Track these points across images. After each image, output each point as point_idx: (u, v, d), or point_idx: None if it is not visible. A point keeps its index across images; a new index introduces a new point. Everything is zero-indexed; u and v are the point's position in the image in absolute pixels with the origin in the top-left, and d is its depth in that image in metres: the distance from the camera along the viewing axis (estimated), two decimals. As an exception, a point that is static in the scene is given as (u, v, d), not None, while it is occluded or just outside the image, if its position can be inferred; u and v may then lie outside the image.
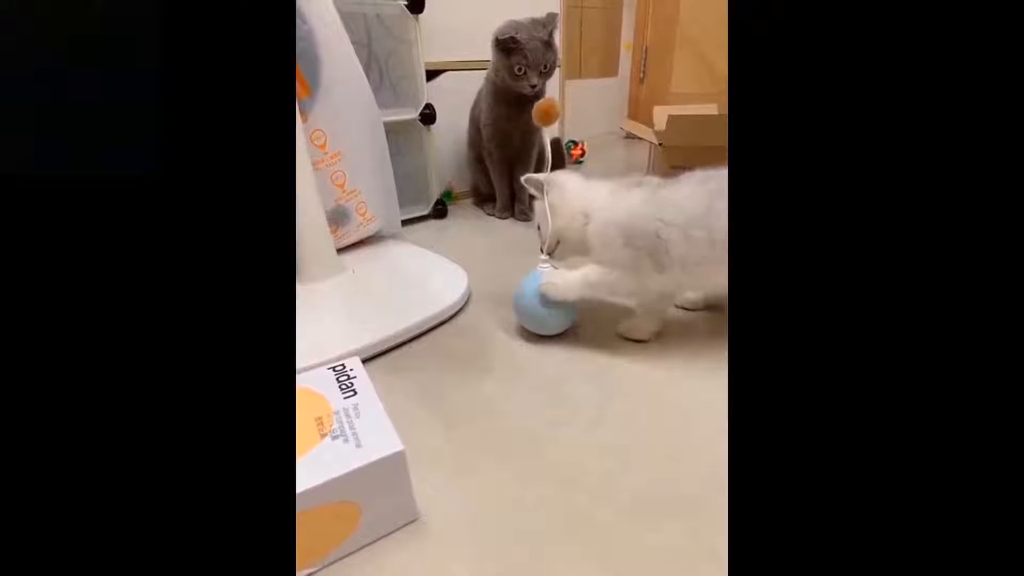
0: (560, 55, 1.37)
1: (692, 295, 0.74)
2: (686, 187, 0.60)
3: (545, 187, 0.66)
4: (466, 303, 0.79)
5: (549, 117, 0.65)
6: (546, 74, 1.05)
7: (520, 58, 1.01)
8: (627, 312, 0.70)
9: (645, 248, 0.59)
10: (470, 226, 1.19)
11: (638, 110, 2.26)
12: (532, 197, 0.69)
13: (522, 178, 0.69)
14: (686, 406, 0.55)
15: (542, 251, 0.69)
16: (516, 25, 1.01)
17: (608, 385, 0.59)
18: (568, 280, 0.64)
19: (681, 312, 0.74)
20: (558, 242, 0.68)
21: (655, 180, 0.63)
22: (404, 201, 1.06)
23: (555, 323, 0.67)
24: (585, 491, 0.44)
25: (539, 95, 1.07)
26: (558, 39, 1.06)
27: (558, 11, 1.37)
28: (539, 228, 0.70)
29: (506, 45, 1.01)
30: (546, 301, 0.65)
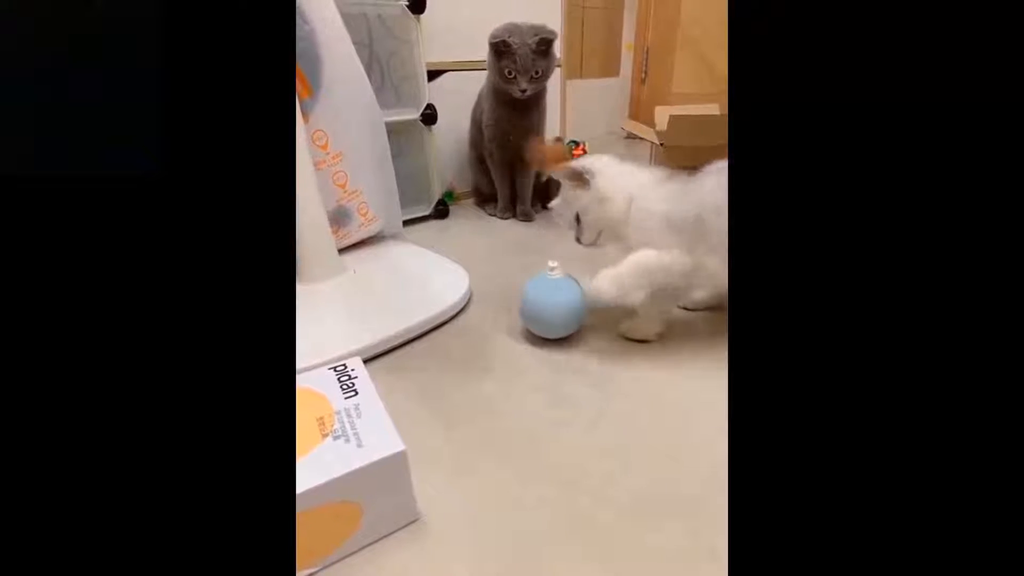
0: (561, 57, 1.37)
1: (698, 294, 0.73)
2: (710, 179, 0.60)
3: (588, 174, 0.62)
4: (467, 303, 0.79)
5: (547, 165, 0.66)
6: (537, 80, 1.04)
7: (509, 62, 1.01)
8: (629, 312, 0.70)
9: (687, 232, 0.58)
10: (471, 226, 1.19)
11: (639, 110, 2.26)
12: (539, 196, 0.68)
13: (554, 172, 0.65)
14: (686, 406, 0.54)
15: (579, 240, 0.67)
16: (511, 28, 1.01)
17: (608, 385, 0.59)
18: (618, 273, 0.59)
19: (682, 312, 0.74)
20: (600, 233, 0.65)
21: (682, 175, 0.62)
22: (405, 201, 1.06)
23: (561, 327, 0.67)
24: (585, 491, 0.44)
25: (531, 99, 1.06)
26: (559, 45, 1.06)
27: (560, 10, 1.37)
28: (577, 219, 0.66)
29: (498, 48, 1.01)
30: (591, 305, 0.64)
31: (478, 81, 1.17)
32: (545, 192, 1.24)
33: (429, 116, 1.13)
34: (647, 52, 2.16)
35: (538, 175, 1.21)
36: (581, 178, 0.62)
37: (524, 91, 1.03)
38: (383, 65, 1.08)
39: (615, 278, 0.59)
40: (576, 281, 0.67)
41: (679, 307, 0.74)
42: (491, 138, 1.13)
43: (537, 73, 1.03)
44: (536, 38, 1.00)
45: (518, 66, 1.01)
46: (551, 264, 0.67)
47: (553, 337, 0.68)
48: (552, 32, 1.03)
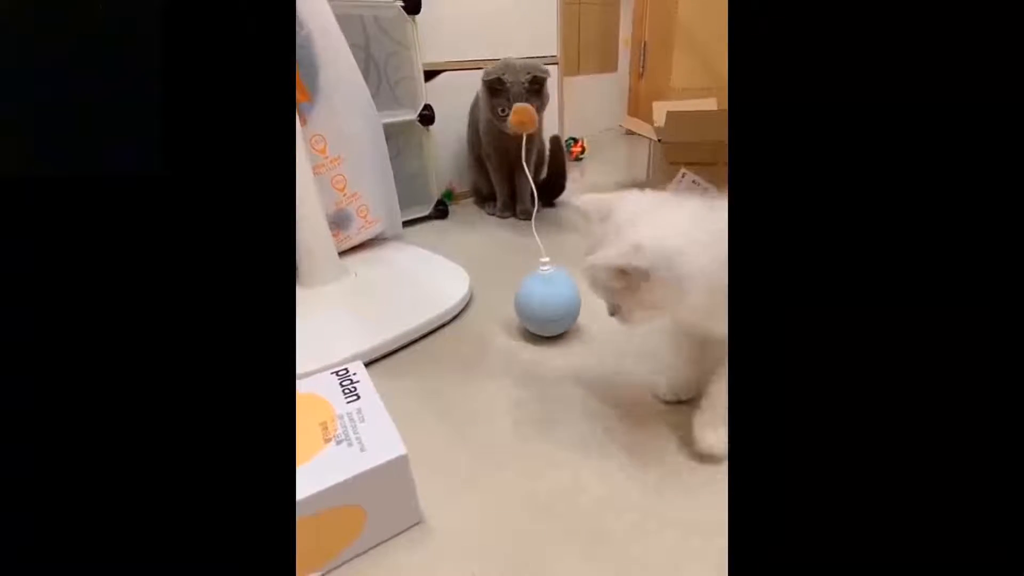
0: (558, 53, 1.37)
1: None
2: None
3: (639, 274, 0.40)
4: (467, 304, 0.79)
5: (523, 127, 0.63)
6: None
7: (503, 100, 1.01)
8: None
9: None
10: (471, 226, 1.19)
11: (638, 106, 2.26)
12: (537, 194, 0.66)
13: (594, 260, 0.41)
14: (687, 406, 0.54)
15: (612, 315, 0.47)
16: (506, 66, 1.01)
17: (608, 385, 0.58)
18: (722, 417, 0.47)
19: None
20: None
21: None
22: (405, 202, 1.06)
23: (557, 325, 0.67)
24: (586, 492, 0.44)
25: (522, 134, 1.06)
26: (555, 43, 1.05)
27: (555, 6, 1.37)
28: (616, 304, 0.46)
29: (491, 86, 1.01)
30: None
31: (475, 81, 1.17)
32: (545, 190, 1.24)
33: (427, 117, 1.13)
34: (644, 47, 2.16)
35: (536, 173, 1.21)
36: (629, 278, 0.41)
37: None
38: (380, 67, 1.08)
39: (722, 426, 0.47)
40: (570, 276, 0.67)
41: None
42: (488, 143, 1.14)
43: None
44: (529, 76, 1.00)
45: (511, 105, 1.00)
46: (543, 260, 0.66)
47: (549, 334, 0.67)
48: (545, 71, 1.03)
